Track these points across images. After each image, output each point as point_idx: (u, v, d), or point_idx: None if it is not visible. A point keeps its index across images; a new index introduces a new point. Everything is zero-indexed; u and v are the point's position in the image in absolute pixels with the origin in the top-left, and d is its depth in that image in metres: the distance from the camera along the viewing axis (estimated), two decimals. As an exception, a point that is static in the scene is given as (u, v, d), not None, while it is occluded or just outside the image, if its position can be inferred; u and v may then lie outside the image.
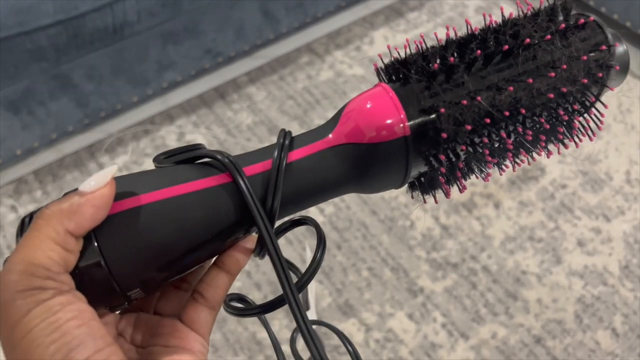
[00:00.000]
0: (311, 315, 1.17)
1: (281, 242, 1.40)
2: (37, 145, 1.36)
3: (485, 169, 0.39)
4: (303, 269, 0.39)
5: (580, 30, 0.40)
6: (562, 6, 0.40)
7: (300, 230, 1.32)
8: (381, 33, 1.72)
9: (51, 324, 0.29)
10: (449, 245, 1.32)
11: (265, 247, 0.36)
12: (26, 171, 1.42)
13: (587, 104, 0.39)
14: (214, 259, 0.40)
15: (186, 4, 1.32)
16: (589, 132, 0.40)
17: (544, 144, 0.40)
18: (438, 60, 0.38)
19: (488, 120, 0.36)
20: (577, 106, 0.39)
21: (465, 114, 0.36)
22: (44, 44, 1.18)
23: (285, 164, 0.37)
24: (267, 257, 0.37)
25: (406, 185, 0.41)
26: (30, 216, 0.35)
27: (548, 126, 0.38)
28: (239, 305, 0.43)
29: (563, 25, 0.39)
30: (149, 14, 1.28)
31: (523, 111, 0.37)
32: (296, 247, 1.31)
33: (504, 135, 0.37)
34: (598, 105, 0.40)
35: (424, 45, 0.39)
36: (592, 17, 0.41)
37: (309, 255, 1.29)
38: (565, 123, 0.39)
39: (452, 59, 0.37)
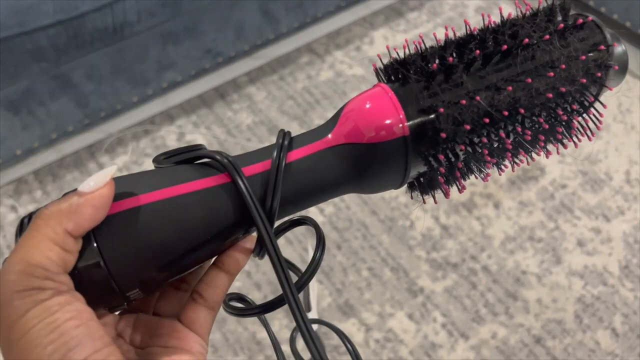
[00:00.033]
0: (312, 316, 1.17)
1: (281, 242, 1.41)
2: (37, 145, 1.36)
3: (484, 169, 0.39)
4: (304, 269, 0.39)
5: (579, 30, 0.40)
6: (560, 6, 0.41)
7: (300, 230, 1.32)
8: (381, 33, 1.72)
9: (49, 324, 0.29)
10: (449, 245, 1.32)
11: (265, 248, 0.36)
12: (26, 171, 1.42)
13: (586, 103, 0.39)
14: (213, 259, 0.40)
15: (186, 4, 1.32)
16: (588, 132, 0.40)
17: (543, 144, 0.40)
18: (437, 61, 0.38)
19: (487, 120, 0.36)
20: (576, 106, 0.39)
21: (464, 113, 0.36)
22: (44, 44, 1.18)
23: (284, 164, 0.37)
24: (267, 257, 0.37)
25: (405, 185, 0.41)
26: (29, 216, 0.35)
27: (547, 126, 0.39)
28: (239, 305, 0.43)
29: (562, 25, 0.39)
30: (149, 14, 1.28)
31: (522, 111, 0.37)
32: (296, 247, 1.31)
33: (503, 135, 0.37)
34: (597, 105, 0.40)
35: (423, 45, 0.39)
36: (591, 17, 0.41)
37: (310, 256, 1.29)
38: (564, 123, 0.39)
39: (451, 59, 0.37)
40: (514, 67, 0.38)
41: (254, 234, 0.39)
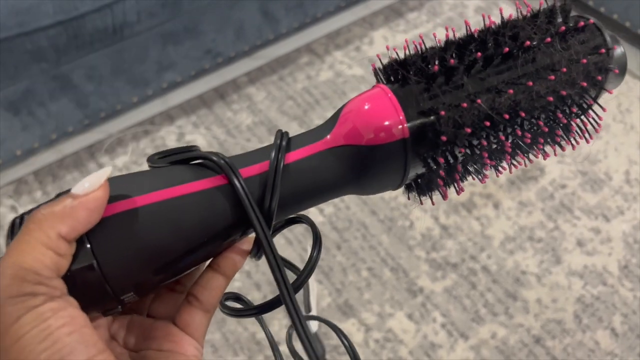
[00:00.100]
0: (312, 321, 1.17)
1: (281, 242, 1.41)
2: (37, 145, 1.36)
3: (482, 171, 0.39)
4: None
5: (580, 33, 0.40)
6: (561, 8, 0.40)
7: (300, 230, 1.32)
8: (381, 33, 1.72)
9: (42, 332, 0.29)
10: (449, 246, 1.32)
11: (262, 249, 0.36)
12: (26, 172, 1.42)
13: (585, 106, 0.39)
14: (209, 261, 0.39)
15: (186, 5, 1.32)
16: (587, 135, 0.40)
17: (541, 146, 0.40)
18: (437, 62, 0.38)
19: (488, 123, 0.36)
20: (575, 109, 0.39)
21: (465, 116, 0.36)
22: (44, 44, 1.18)
23: (282, 166, 0.37)
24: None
25: (403, 187, 0.41)
26: (21, 217, 0.34)
27: (547, 129, 0.38)
28: (236, 305, 0.42)
29: (563, 27, 0.39)
30: (149, 14, 1.28)
31: (522, 114, 0.37)
32: (296, 247, 1.31)
33: (503, 138, 0.37)
34: (596, 107, 0.40)
35: (423, 46, 0.39)
36: (592, 20, 0.41)
37: (307, 256, 1.29)
38: (563, 125, 0.39)
39: (452, 60, 0.37)
40: (514, 70, 0.38)
41: (251, 235, 0.39)
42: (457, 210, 1.37)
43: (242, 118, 1.55)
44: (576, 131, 0.40)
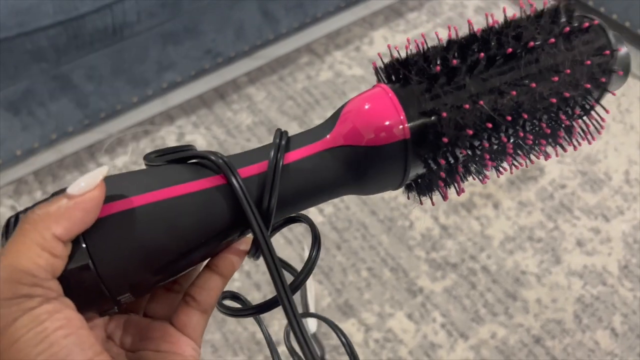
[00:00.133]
0: (311, 321, 1.16)
1: (280, 242, 1.41)
2: (37, 145, 1.36)
3: (483, 172, 0.39)
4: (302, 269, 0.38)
5: (584, 34, 0.39)
6: (565, 8, 0.40)
7: (299, 230, 1.32)
8: (381, 33, 1.72)
9: (38, 334, 0.28)
10: (449, 246, 1.32)
11: (260, 250, 0.35)
12: (26, 172, 1.42)
13: (588, 107, 0.39)
14: (206, 261, 0.39)
15: (186, 5, 1.32)
16: (589, 136, 0.40)
17: (543, 147, 0.39)
18: (439, 62, 0.37)
19: (490, 125, 0.36)
20: (578, 110, 0.39)
21: (467, 118, 0.36)
22: (44, 44, 1.18)
23: (281, 166, 0.36)
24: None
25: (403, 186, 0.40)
26: (16, 216, 0.34)
27: (549, 130, 0.38)
28: (234, 304, 0.42)
29: (567, 28, 0.39)
30: (149, 14, 1.28)
31: (525, 115, 0.36)
32: (295, 247, 1.31)
33: (505, 139, 0.37)
34: (598, 108, 0.40)
35: (425, 45, 0.39)
36: (597, 21, 0.40)
37: (307, 256, 1.28)
38: (565, 127, 0.39)
39: (454, 60, 0.37)
40: (517, 71, 0.37)
41: (249, 236, 0.38)
42: (457, 211, 1.37)
43: (242, 118, 1.55)
44: (578, 132, 0.40)
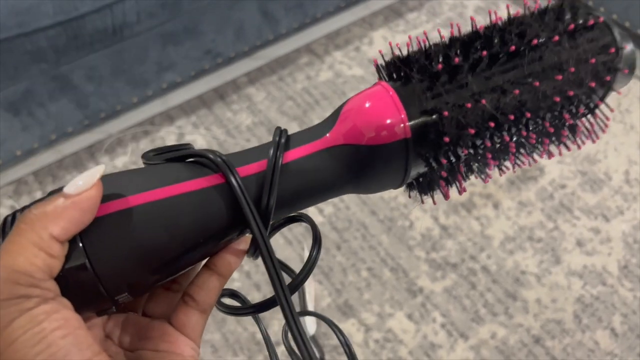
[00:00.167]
0: (310, 322, 1.16)
1: (280, 242, 1.41)
2: (37, 146, 1.36)
3: (485, 171, 0.38)
4: (303, 269, 0.38)
5: (589, 31, 0.39)
6: (569, 4, 0.39)
7: (299, 230, 1.32)
8: (380, 34, 1.72)
9: (36, 335, 0.28)
10: (449, 246, 1.32)
11: (259, 250, 0.35)
12: (26, 172, 1.42)
13: (592, 106, 0.38)
14: (205, 260, 0.39)
15: (186, 5, 1.32)
16: (593, 135, 0.39)
17: (546, 147, 0.39)
18: (441, 60, 0.37)
19: (492, 124, 0.35)
20: (582, 109, 0.38)
21: (469, 117, 0.35)
22: (44, 45, 1.18)
23: (280, 165, 0.36)
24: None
25: (404, 185, 0.40)
26: (13, 215, 0.33)
27: (552, 129, 0.37)
28: (233, 303, 0.42)
29: (572, 25, 0.38)
30: (149, 14, 1.28)
31: (528, 114, 0.36)
32: (295, 247, 1.31)
33: (507, 138, 0.36)
34: (603, 107, 0.39)
35: (426, 43, 0.38)
36: (602, 18, 0.39)
37: (306, 255, 1.28)
38: (569, 126, 0.38)
39: (456, 58, 0.36)
40: (521, 69, 0.37)
41: (249, 235, 0.38)
42: (457, 211, 1.37)
43: (241, 118, 1.55)
44: (582, 131, 0.39)
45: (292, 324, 0.34)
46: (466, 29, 0.39)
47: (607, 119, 0.39)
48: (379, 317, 1.23)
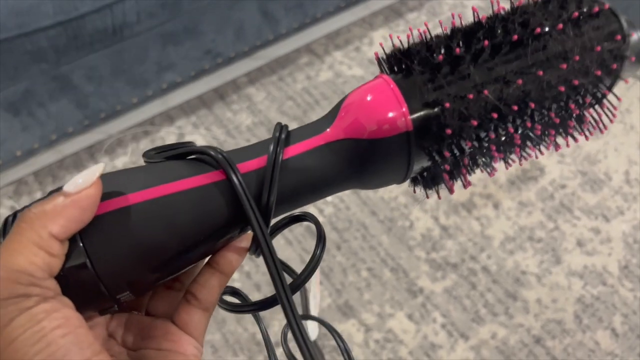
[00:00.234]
0: (311, 328, 1.16)
1: (281, 242, 1.40)
2: (37, 146, 1.36)
3: (491, 164, 0.38)
4: (304, 270, 0.38)
5: (594, 19, 0.38)
6: None
7: (300, 230, 1.32)
8: (380, 34, 1.72)
9: (35, 334, 0.28)
10: (449, 246, 1.32)
11: (259, 247, 0.35)
12: (26, 172, 1.42)
13: (600, 96, 0.38)
14: (207, 258, 0.38)
15: (185, 5, 1.32)
16: (601, 125, 0.38)
17: (552, 138, 0.38)
18: (442, 51, 0.36)
19: (495, 115, 0.35)
20: (588, 99, 0.37)
21: (471, 108, 0.34)
22: (44, 45, 1.18)
23: (281, 161, 0.35)
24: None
25: (408, 180, 0.39)
26: (14, 215, 0.33)
27: (558, 120, 0.37)
28: (234, 300, 0.42)
29: (576, 13, 0.37)
30: (149, 14, 1.28)
31: (532, 105, 0.35)
32: (296, 247, 1.31)
33: (512, 130, 0.36)
34: (611, 96, 0.38)
35: (427, 34, 0.38)
36: (607, 5, 0.39)
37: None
38: (576, 116, 0.38)
39: (457, 49, 0.36)
40: (524, 59, 0.36)
41: (250, 232, 0.38)
42: (457, 211, 1.37)
43: (241, 118, 1.55)
44: (590, 122, 0.38)
45: (293, 322, 0.34)
46: (468, 19, 0.38)
47: (615, 108, 0.38)
48: (379, 318, 1.23)
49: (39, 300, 0.29)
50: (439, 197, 0.39)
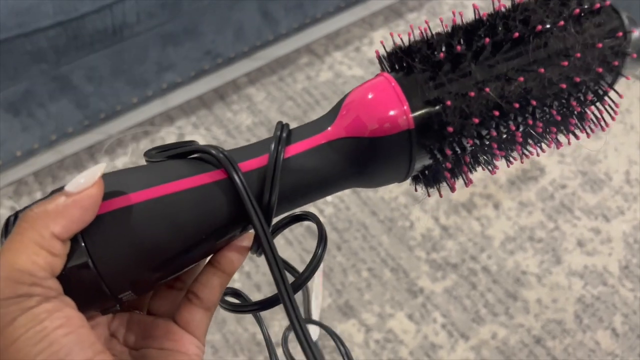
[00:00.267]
0: (312, 330, 1.16)
1: (281, 242, 1.41)
2: (37, 146, 1.36)
3: (492, 162, 0.38)
4: (304, 270, 0.38)
5: (595, 15, 0.38)
6: None
7: (300, 230, 1.32)
8: (380, 34, 1.72)
9: (37, 333, 0.28)
10: (449, 246, 1.32)
11: (261, 246, 0.35)
12: (26, 172, 1.42)
13: (601, 93, 0.38)
14: (208, 257, 0.38)
15: (185, 5, 1.32)
16: (602, 123, 0.38)
17: (554, 136, 0.38)
18: (444, 49, 0.36)
19: (497, 113, 0.35)
20: (590, 96, 0.37)
21: (472, 106, 0.35)
22: (44, 45, 1.18)
23: (282, 160, 0.35)
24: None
25: (409, 178, 0.39)
26: (16, 215, 0.33)
27: (560, 117, 0.37)
28: (235, 301, 0.42)
29: (577, 10, 0.37)
30: (149, 15, 1.28)
31: (534, 102, 0.35)
32: (296, 247, 1.31)
33: (513, 127, 0.36)
34: (612, 93, 0.38)
35: (428, 32, 0.38)
36: (608, 2, 0.39)
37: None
38: (577, 114, 0.38)
39: (458, 47, 0.36)
40: (525, 56, 0.36)
41: (252, 231, 0.38)
42: (457, 211, 1.37)
43: (242, 119, 1.55)
44: (591, 119, 0.38)
45: (295, 321, 0.33)
46: (469, 16, 0.38)
47: (617, 105, 0.38)
48: (380, 318, 1.23)
49: (41, 300, 0.29)
50: (441, 195, 0.39)
